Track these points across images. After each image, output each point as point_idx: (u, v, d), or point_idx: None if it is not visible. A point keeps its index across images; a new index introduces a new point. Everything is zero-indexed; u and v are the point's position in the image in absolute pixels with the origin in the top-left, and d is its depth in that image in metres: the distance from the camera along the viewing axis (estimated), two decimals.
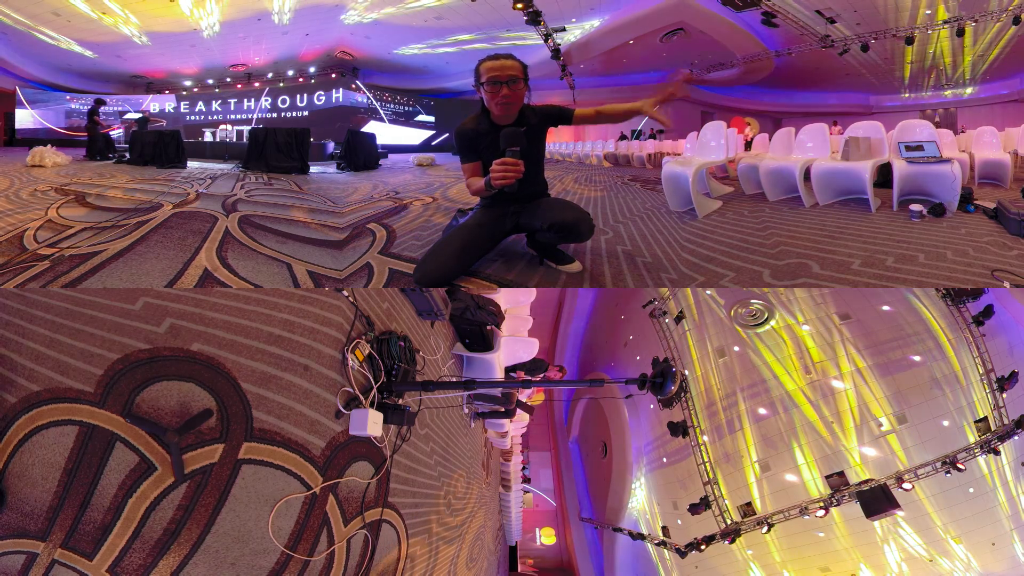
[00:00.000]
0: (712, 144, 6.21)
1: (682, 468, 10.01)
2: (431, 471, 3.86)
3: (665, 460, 10.73)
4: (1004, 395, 7.71)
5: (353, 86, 16.67)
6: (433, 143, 18.64)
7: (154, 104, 17.63)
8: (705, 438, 9.48)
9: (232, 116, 17.41)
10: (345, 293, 2.94)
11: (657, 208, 5.82)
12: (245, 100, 17.48)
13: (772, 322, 9.46)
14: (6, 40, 13.09)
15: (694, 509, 9.06)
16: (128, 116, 15.63)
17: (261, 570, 2.17)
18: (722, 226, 4.78)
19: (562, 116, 3.04)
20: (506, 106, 2.82)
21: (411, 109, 18.57)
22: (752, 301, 9.65)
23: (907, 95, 17.33)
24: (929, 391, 8.25)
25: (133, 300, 2.29)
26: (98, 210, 4.95)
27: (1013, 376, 7.62)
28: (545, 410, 18.52)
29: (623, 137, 16.36)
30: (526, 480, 16.23)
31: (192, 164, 10.68)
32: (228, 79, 17.35)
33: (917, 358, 8.45)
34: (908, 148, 5.35)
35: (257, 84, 17.28)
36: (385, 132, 17.21)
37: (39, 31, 12.65)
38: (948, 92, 16.65)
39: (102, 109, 11.41)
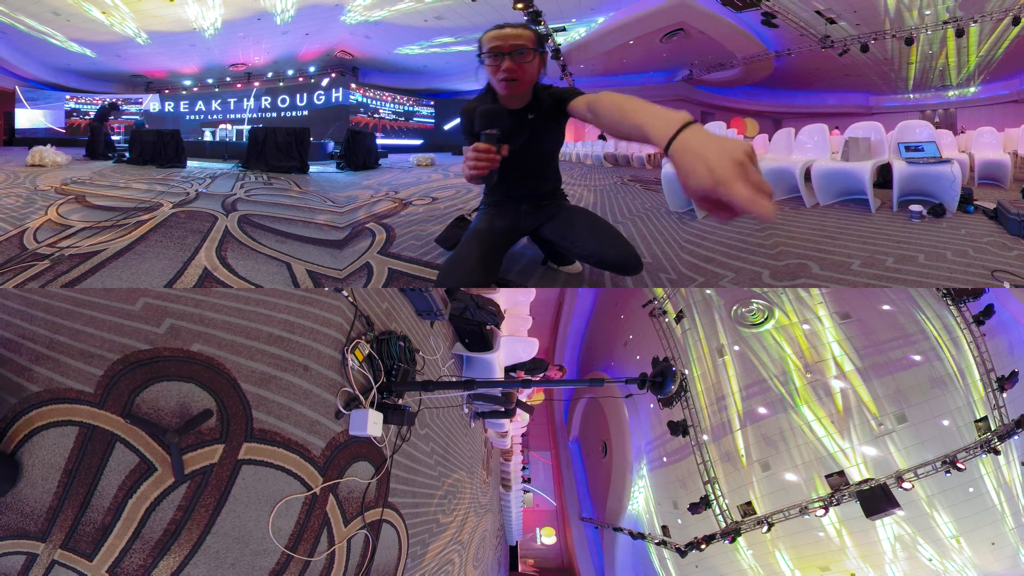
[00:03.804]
0: None
1: (682, 467, 10.00)
2: (431, 471, 3.87)
3: (665, 459, 10.73)
4: (1004, 395, 7.71)
5: (353, 85, 16.67)
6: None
7: (153, 104, 17.64)
8: (705, 437, 9.48)
9: (232, 116, 17.42)
10: (345, 293, 2.94)
11: (657, 208, 5.82)
12: (245, 100, 17.49)
13: (772, 321, 9.46)
14: (6, 40, 13.08)
15: (694, 508, 9.06)
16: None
17: (262, 571, 2.17)
18: (722, 227, 4.78)
19: (562, 102, 2.38)
20: (510, 83, 2.32)
21: (411, 108, 18.58)
22: (752, 300, 9.65)
23: (907, 96, 17.33)
24: (929, 391, 8.25)
25: (133, 300, 2.29)
26: (98, 210, 4.95)
27: (1013, 376, 7.62)
28: (545, 410, 18.52)
29: (602, 137, 16.15)
30: (526, 480, 16.24)
31: (192, 164, 10.68)
32: (228, 79, 17.35)
33: (917, 357, 8.44)
34: (908, 149, 5.36)
35: (257, 84, 17.29)
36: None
37: (39, 31, 12.64)
38: (948, 93, 16.66)
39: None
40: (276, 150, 10.02)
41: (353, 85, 16.68)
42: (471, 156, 2.16)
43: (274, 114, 17.24)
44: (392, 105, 18.01)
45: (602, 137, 16.28)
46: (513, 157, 2.29)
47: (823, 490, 8.19)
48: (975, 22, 12.42)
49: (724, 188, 1.08)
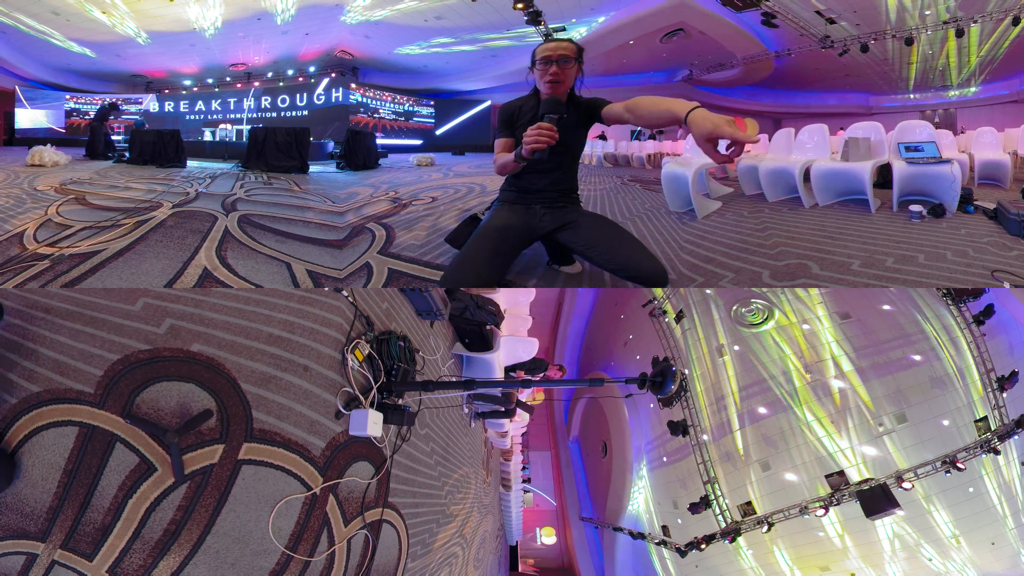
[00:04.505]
0: None
1: (682, 467, 10.00)
2: (431, 471, 3.86)
3: (665, 459, 10.72)
4: (1004, 395, 7.71)
5: (353, 85, 16.67)
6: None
7: (153, 104, 17.64)
8: (705, 437, 9.48)
9: (232, 116, 17.42)
10: (345, 293, 2.94)
11: (657, 209, 5.82)
12: (244, 99, 17.50)
13: (772, 322, 9.46)
14: (6, 40, 13.07)
15: (694, 508, 9.05)
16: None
17: (262, 571, 2.17)
18: (722, 227, 4.79)
19: (593, 109, 2.78)
20: (553, 85, 2.74)
21: (411, 108, 18.58)
22: (753, 300, 9.65)
23: (907, 96, 17.33)
24: (929, 390, 8.25)
25: (133, 300, 2.29)
26: (98, 209, 4.95)
27: (1013, 376, 7.62)
28: (545, 410, 18.52)
29: (601, 137, 16.22)
30: (526, 480, 16.24)
31: (192, 163, 10.68)
32: (228, 79, 17.35)
33: (917, 357, 8.44)
34: (908, 149, 5.36)
35: (257, 84, 17.29)
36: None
37: (39, 31, 12.64)
38: (948, 93, 16.66)
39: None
40: (276, 150, 10.02)
41: (353, 85, 16.68)
42: (532, 133, 2.53)
43: (274, 114, 17.23)
44: (392, 105, 18.00)
45: (601, 137, 16.30)
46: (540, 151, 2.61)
47: (823, 490, 8.19)
48: (975, 22, 12.41)
49: (718, 129, 1.97)
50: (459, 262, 2.82)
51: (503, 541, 13.19)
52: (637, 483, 12.03)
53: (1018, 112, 14.73)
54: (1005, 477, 8.01)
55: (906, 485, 7.62)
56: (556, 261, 3.27)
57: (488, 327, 4.84)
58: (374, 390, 2.84)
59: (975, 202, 5.08)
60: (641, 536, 11.25)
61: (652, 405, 11.04)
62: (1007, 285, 3.46)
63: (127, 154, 10.48)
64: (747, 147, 2.15)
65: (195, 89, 17.83)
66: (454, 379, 4.54)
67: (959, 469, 7.50)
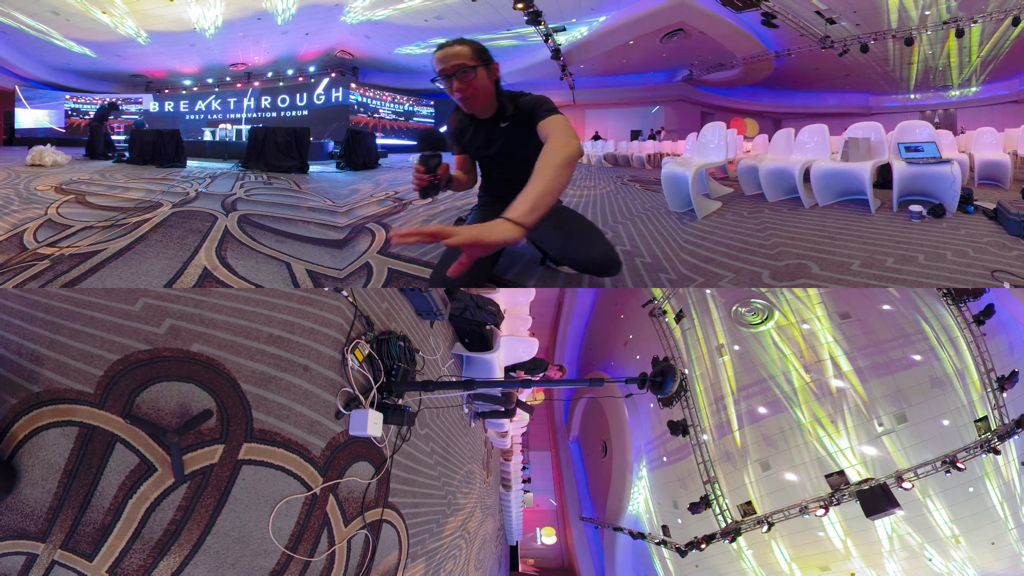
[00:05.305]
0: (712, 145, 6.22)
1: (682, 467, 10.00)
2: (431, 471, 3.87)
3: (665, 459, 10.73)
4: (1004, 394, 7.71)
5: (353, 85, 16.66)
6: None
7: (153, 104, 17.64)
8: (705, 437, 9.48)
9: (231, 115, 17.42)
10: (344, 293, 2.94)
11: (656, 209, 5.83)
12: (244, 99, 17.50)
13: (772, 322, 9.46)
14: (6, 40, 13.08)
15: (694, 508, 9.06)
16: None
17: (262, 571, 2.17)
18: (721, 227, 4.79)
19: (532, 116, 2.30)
20: (465, 101, 2.41)
21: (410, 108, 18.58)
22: (753, 300, 9.65)
23: (907, 96, 17.33)
24: (929, 390, 8.25)
25: (133, 301, 2.29)
26: (98, 209, 4.95)
27: (1013, 375, 7.62)
28: (545, 410, 18.52)
29: (596, 136, 16.31)
30: (526, 480, 16.24)
31: (191, 163, 10.68)
32: (228, 78, 17.36)
33: (917, 357, 8.44)
34: (908, 149, 5.36)
35: (257, 84, 17.29)
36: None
37: (39, 31, 12.64)
38: (948, 93, 16.66)
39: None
40: (276, 150, 10.02)
41: (353, 85, 16.68)
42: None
43: (274, 114, 17.24)
44: (392, 105, 18.00)
45: (596, 136, 16.30)
46: (493, 163, 2.56)
47: (823, 490, 8.19)
48: (975, 22, 12.41)
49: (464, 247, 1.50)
50: (439, 265, 2.85)
51: (503, 541, 13.19)
52: (637, 483, 12.03)
53: (1018, 112, 14.73)
54: (1005, 477, 8.01)
55: (906, 485, 7.62)
56: (552, 260, 3.27)
57: (488, 327, 4.84)
58: (374, 390, 2.84)
59: (975, 202, 5.08)
60: (641, 536, 11.26)
61: (652, 405, 11.04)
62: (1007, 285, 3.46)
63: (127, 154, 10.48)
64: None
65: (195, 89, 17.83)
66: (454, 379, 4.54)
67: (959, 469, 7.50)
